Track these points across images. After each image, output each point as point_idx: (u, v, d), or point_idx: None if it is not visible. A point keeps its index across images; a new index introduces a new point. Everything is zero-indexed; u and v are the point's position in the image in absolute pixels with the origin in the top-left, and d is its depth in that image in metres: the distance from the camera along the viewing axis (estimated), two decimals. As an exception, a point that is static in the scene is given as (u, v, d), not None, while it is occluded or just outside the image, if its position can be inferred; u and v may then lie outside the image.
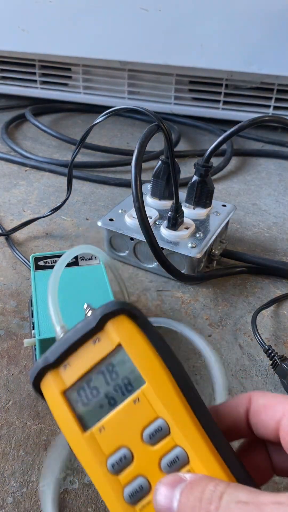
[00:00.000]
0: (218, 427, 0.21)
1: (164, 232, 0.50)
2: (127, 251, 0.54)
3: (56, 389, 0.22)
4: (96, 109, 1.02)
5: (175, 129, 0.93)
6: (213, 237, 0.51)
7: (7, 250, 0.56)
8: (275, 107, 0.94)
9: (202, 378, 0.41)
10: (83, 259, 0.43)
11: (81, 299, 0.38)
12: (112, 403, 0.21)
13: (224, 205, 0.57)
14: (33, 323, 0.39)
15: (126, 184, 0.74)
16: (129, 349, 0.22)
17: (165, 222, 0.51)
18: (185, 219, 0.52)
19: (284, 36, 0.81)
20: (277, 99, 0.93)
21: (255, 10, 0.80)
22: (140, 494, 0.20)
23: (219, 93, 0.95)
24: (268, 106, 0.94)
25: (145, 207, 0.44)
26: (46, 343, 0.35)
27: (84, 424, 0.21)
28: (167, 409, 0.21)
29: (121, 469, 0.21)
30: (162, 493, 0.19)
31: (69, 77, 1.01)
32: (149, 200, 0.56)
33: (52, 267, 0.41)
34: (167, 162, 0.51)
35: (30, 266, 0.43)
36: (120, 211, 0.54)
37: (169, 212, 0.50)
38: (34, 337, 0.36)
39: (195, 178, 0.52)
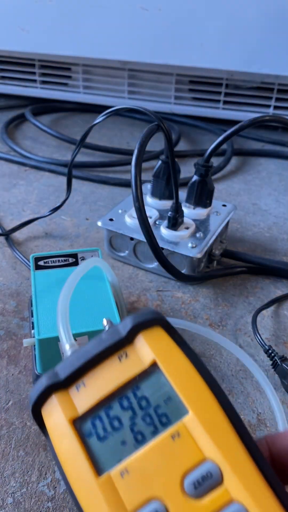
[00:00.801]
0: (276, 476, 0.16)
1: (164, 232, 0.50)
2: (127, 251, 0.54)
3: (63, 416, 0.17)
4: (96, 108, 1.02)
5: (175, 128, 0.93)
6: (214, 237, 0.51)
7: (7, 250, 0.56)
8: (276, 107, 0.94)
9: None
10: (83, 259, 0.43)
11: (80, 300, 0.38)
12: (140, 439, 0.16)
13: (224, 205, 0.57)
14: (32, 323, 0.39)
15: (126, 184, 0.74)
16: (168, 369, 0.17)
17: (165, 222, 0.51)
18: (185, 219, 0.52)
19: (285, 36, 0.81)
20: (277, 99, 0.93)
21: (255, 10, 0.80)
22: None
23: (220, 92, 0.95)
24: (269, 106, 0.94)
25: (145, 207, 0.44)
26: (45, 343, 0.35)
27: (99, 465, 0.16)
28: (219, 448, 0.15)
29: None
30: None
31: (69, 77, 1.01)
32: (149, 200, 0.56)
33: (52, 267, 0.41)
34: (167, 162, 0.51)
35: (30, 266, 0.43)
36: (120, 211, 0.54)
37: (169, 212, 0.50)
38: (34, 337, 0.35)
39: (195, 178, 0.52)
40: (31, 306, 0.40)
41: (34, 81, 1.02)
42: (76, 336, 0.34)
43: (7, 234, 0.58)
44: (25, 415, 0.36)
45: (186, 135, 0.97)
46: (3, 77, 1.03)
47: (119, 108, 0.47)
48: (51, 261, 0.42)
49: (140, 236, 0.49)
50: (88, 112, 1.05)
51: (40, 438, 0.35)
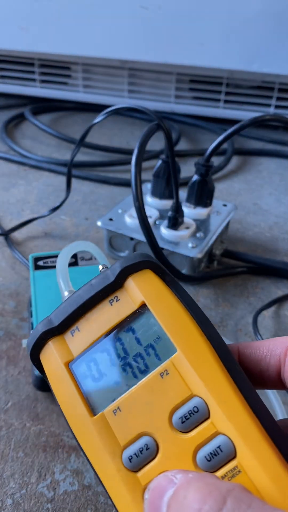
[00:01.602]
0: (265, 406, 0.16)
1: (164, 232, 0.50)
2: (127, 251, 0.53)
3: (59, 360, 0.18)
4: (95, 108, 1.02)
5: (176, 128, 0.93)
6: (214, 237, 0.51)
7: (6, 250, 0.56)
8: (276, 106, 0.94)
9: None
10: (83, 259, 0.42)
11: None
12: (132, 378, 0.17)
13: (224, 205, 0.57)
14: (32, 323, 0.39)
15: (126, 184, 0.73)
16: (157, 310, 0.17)
17: (165, 222, 0.51)
18: (185, 219, 0.52)
19: (286, 35, 0.81)
20: (278, 98, 0.93)
21: (256, 9, 0.79)
22: None
23: (220, 92, 0.94)
24: (269, 105, 0.94)
25: (145, 207, 0.44)
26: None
27: (93, 404, 0.17)
28: (206, 384, 0.16)
29: (142, 464, 0.16)
30: (147, 504, 0.14)
31: (69, 76, 1.01)
32: (149, 199, 0.56)
33: (51, 267, 0.41)
34: (167, 161, 0.51)
35: (29, 266, 0.43)
36: (120, 210, 0.54)
37: (169, 212, 0.50)
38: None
39: (195, 177, 0.52)
40: (30, 306, 0.40)
41: (34, 80, 1.01)
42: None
43: (6, 234, 0.57)
44: (25, 416, 0.36)
45: (187, 134, 0.97)
46: (3, 76, 1.03)
47: (119, 107, 0.47)
48: (50, 261, 0.42)
49: (140, 236, 0.48)
50: (87, 111, 1.05)
51: (40, 439, 0.35)
